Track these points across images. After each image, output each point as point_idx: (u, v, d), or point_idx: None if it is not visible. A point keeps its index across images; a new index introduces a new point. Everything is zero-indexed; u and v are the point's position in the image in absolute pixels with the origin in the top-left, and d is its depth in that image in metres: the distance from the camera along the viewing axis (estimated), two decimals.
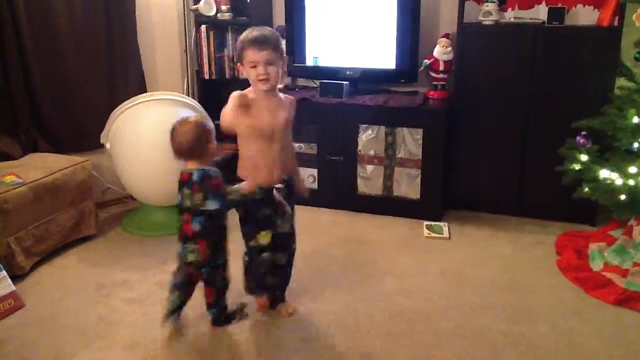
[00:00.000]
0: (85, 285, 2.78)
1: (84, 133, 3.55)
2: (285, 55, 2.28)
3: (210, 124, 2.34)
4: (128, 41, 3.68)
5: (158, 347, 2.30)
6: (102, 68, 3.60)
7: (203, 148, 2.25)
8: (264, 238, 2.34)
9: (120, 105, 3.29)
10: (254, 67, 2.18)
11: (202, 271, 2.31)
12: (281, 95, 2.35)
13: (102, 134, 3.35)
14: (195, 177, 2.21)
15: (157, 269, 2.91)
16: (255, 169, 2.29)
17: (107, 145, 3.34)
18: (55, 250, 3.05)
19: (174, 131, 2.26)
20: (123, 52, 3.67)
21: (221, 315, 2.43)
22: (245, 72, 2.24)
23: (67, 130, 3.52)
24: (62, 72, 3.44)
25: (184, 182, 2.24)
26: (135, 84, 3.73)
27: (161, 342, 2.33)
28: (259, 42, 2.16)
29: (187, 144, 2.22)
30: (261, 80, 2.19)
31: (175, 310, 2.37)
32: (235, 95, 2.17)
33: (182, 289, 2.36)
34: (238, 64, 2.28)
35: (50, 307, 2.58)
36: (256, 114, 2.24)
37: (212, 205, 2.20)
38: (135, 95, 3.36)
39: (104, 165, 3.55)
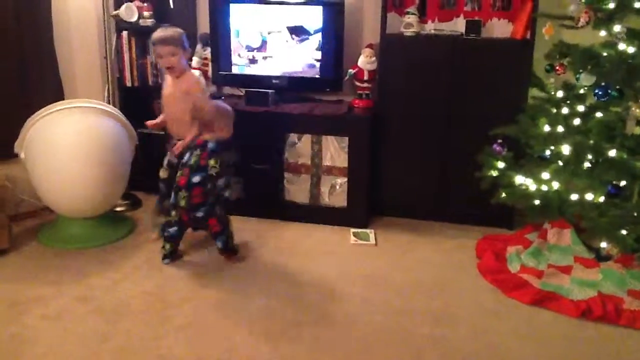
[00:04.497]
0: None
1: None
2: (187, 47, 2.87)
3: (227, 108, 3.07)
4: (44, 46, 3.53)
5: None
6: (14, 74, 3.43)
7: (217, 123, 2.93)
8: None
9: (37, 113, 3.15)
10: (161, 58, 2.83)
11: (196, 211, 2.91)
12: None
13: (16, 143, 3.20)
14: (211, 146, 2.89)
15: (75, 283, 2.80)
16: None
17: (22, 155, 3.19)
18: None
19: (195, 104, 2.86)
20: (39, 58, 3.51)
21: (228, 241, 3.04)
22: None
23: None
24: None
25: (196, 145, 2.87)
26: (52, 91, 3.58)
27: (80, 358, 2.24)
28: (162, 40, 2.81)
29: (208, 118, 2.89)
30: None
31: (169, 256, 3.03)
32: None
33: (175, 238, 3.03)
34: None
35: None
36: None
37: (215, 169, 2.89)
38: (52, 102, 3.23)
39: (18, 176, 3.38)
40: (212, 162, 2.90)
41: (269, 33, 3.64)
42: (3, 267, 2.97)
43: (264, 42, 3.67)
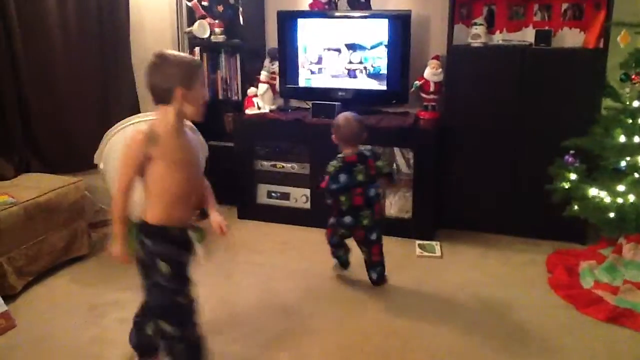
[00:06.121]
0: (77, 306, 2.77)
1: (76, 153, 3.57)
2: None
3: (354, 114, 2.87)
4: (122, 63, 3.72)
5: None
6: (95, 89, 3.65)
7: (362, 135, 2.80)
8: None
9: (115, 126, 3.31)
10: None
11: (372, 232, 2.84)
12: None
13: (95, 155, 3.36)
14: (368, 153, 2.82)
15: None
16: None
17: (101, 166, 3.35)
18: (47, 271, 3.04)
19: (339, 124, 2.81)
20: (117, 74, 3.71)
21: (383, 272, 2.95)
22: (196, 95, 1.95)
23: (59, 150, 3.55)
24: (55, 93, 3.47)
25: (353, 162, 2.78)
26: (129, 104, 3.78)
27: None
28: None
29: (354, 132, 2.78)
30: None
31: (345, 264, 3.04)
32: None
33: (344, 247, 3.00)
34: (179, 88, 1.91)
35: (42, 328, 2.58)
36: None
37: (387, 168, 2.91)
38: (129, 115, 3.39)
39: (97, 186, 3.56)
40: (379, 163, 2.85)
41: (327, 49, 3.71)
42: (83, 272, 3.13)
43: (321, 57, 3.74)
